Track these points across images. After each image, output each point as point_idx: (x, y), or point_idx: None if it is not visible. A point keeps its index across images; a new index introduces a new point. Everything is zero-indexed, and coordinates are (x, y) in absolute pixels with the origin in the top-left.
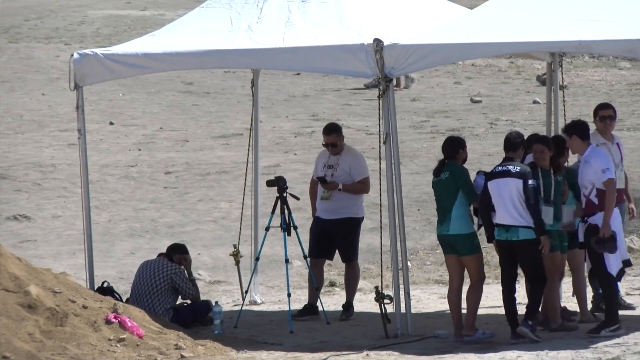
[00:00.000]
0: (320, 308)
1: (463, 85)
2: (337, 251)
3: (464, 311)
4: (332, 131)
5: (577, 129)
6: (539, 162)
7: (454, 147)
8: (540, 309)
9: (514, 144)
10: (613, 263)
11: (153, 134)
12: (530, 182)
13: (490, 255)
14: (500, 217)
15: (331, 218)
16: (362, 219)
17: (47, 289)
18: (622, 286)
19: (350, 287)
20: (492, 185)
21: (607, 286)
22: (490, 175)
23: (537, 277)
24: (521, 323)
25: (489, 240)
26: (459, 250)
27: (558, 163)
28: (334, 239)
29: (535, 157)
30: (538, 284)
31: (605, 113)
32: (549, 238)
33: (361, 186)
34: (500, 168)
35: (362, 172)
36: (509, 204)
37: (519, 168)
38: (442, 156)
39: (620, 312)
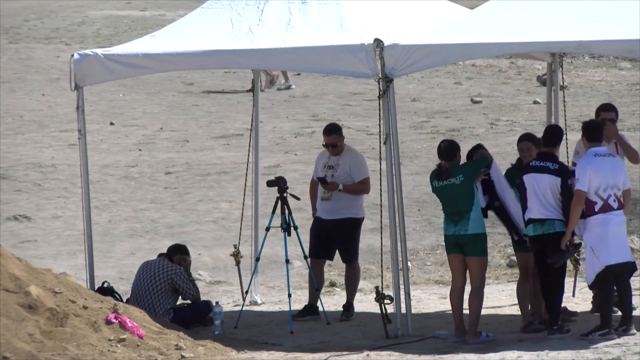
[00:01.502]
0: (320, 308)
1: (463, 85)
2: (337, 251)
3: (465, 311)
4: (332, 132)
5: (585, 130)
6: (525, 160)
7: (453, 150)
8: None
9: (552, 138)
10: (588, 273)
11: (153, 135)
12: (569, 180)
13: (491, 255)
14: (534, 211)
15: (331, 218)
16: (362, 219)
17: (48, 289)
18: None
19: (351, 288)
20: (527, 179)
21: (599, 292)
22: (526, 169)
23: (556, 273)
24: (548, 332)
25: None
26: (467, 250)
27: None
28: (334, 239)
29: (523, 155)
30: (553, 284)
31: (607, 116)
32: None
33: (361, 187)
34: (537, 163)
35: (363, 173)
36: (543, 199)
37: (557, 166)
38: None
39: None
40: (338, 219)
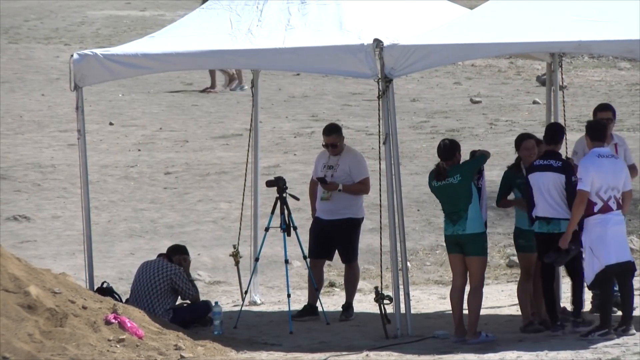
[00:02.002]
0: (320, 309)
1: (463, 85)
2: (336, 252)
3: (465, 311)
4: (332, 132)
5: (589, 129)
6: (530, 159)
7: (452, 150)
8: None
9: (554, 136)
10: (587, 273)
11: (153, 135)
12: (573, 177)
13: (490, 255)
14: (541, 209)
15: (331, 219)
16: (362, 219)
17: (47, 289)
18: None
19: (350, 288)
20: (532, 178)
21: (599, 292)
22: (531, 169)
23: (574, 270)
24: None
25: None
26: (467, 250)
27: None
28: (333, 239)
29: (525, 154)
30: (577, 277)
31: (604, 115)
32: (527, 240)
33: (361, 187)
34: (540, 162)
35: (362, 173)
36: (548, 197)
37: (560, 163)
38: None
39: (620, 313)
40: (337, 219)
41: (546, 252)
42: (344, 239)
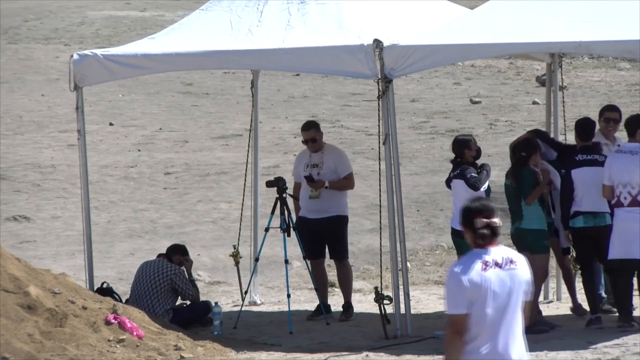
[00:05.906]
0: (320, 308)
1: (462, 86)
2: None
3: None
4: (311, 127)
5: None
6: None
7: (459, 148)
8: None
9: (588, 132)
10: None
11: (152, 135)
12: None
13: None
14: (587, 204)
15: (319, 217)
16: (347, 217)
17: (47, 289)
18: None
19: (345, 287)
20: (576, 174)
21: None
22: (573, 164)
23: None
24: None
25: (566, 228)
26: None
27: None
28: (325, 237)
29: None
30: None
31: (611, 115)
32: (547, 240)
33: (347, 182)
34: (584, 157)
35: (347, 168)
36: (594, 191)
37: (604, 157)
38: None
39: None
40: (326, 217)
41: (592, 246)
42: (334, 236)
